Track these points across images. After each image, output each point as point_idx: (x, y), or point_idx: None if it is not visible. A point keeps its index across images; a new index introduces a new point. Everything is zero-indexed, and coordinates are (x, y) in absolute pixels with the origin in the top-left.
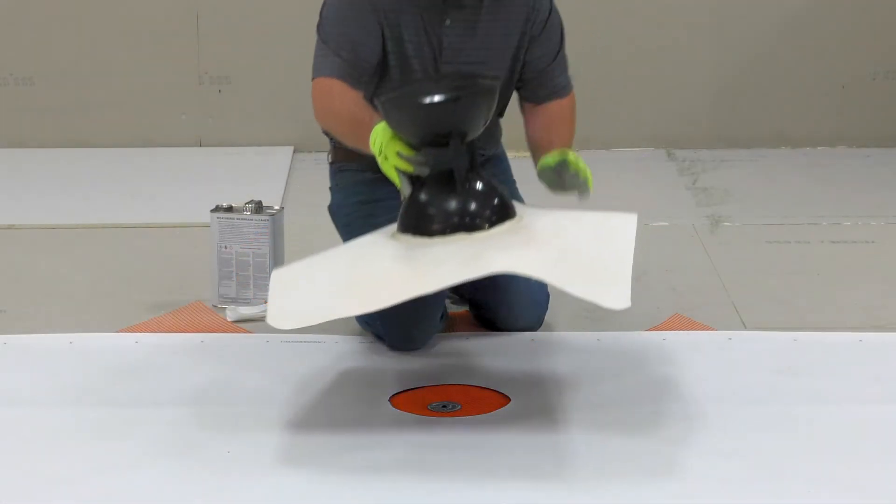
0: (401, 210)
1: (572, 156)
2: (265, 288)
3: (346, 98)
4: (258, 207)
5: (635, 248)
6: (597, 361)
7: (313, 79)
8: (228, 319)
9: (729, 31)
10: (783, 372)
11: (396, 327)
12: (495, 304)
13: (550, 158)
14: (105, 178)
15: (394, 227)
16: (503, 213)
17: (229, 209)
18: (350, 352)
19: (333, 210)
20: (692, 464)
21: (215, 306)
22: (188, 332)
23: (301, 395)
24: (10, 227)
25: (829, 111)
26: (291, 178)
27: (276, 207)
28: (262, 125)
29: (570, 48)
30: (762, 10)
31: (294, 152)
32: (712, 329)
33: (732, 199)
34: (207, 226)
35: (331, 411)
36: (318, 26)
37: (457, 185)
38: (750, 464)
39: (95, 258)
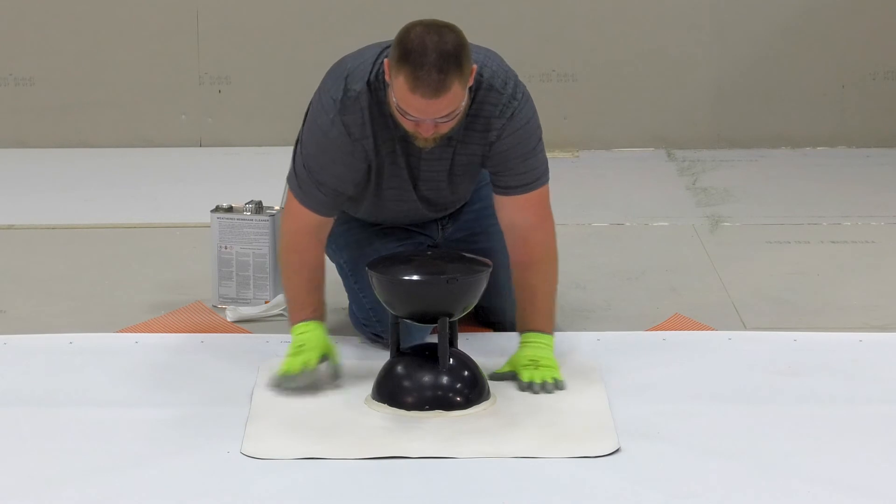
0: (378, 378)
1: (528, 375)
2: (265, 288)
3: (307, 258)
4: (258, 207)
5: (635, 249)
6: (595, 361)
7: (290, 190)
8: (228, 319)
9: (729, 32)
10: (783, 372)
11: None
12: (501, 306)
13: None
14: (105, 178)
15: (366, 391)
16: (480, 393)
17: (229, 209)
18: (350, 352)
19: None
20: (692, 464)
21: (215, 306)
22: (188, 332)
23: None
24: (9, 228)
25: (829, 111)
26: None
27: (277, 207)
28: (262, 125)
29: (572, 48)
30: (762, 11)
31: None
32: (712, 329)
33: (732, 199)
34: (207, 226)
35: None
36: (300, 143)
37: (439, 362)
38: (750, 464)
39: (95, 258)
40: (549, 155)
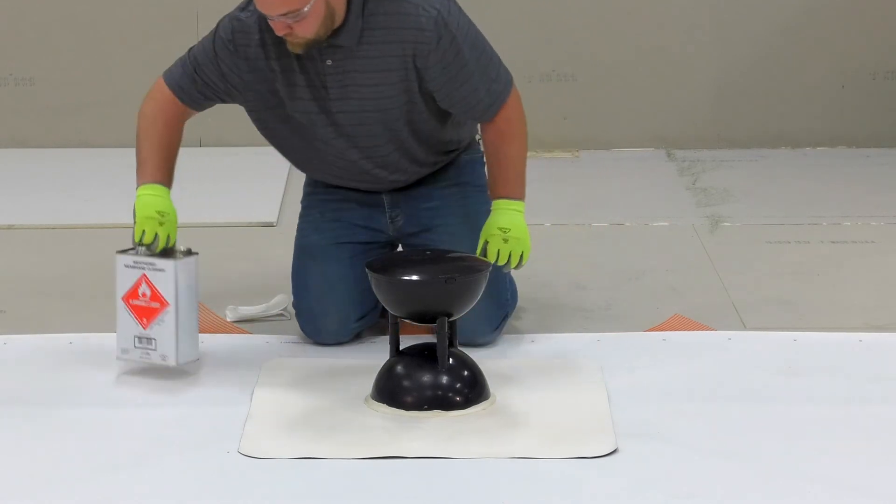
0: (377, 378)
1: (494, 250)
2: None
3: (159, 123)
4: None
5: (635, 249)
6: (597, 361)
7: (162, 74)
8: (228, 319)
9: (729, 31)
10: (783, 372)
11: (305, 315)
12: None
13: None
14: (105, 178)
15: (365, 391)
16: (479, 393)
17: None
18: (350, 352)
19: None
20: (692, 464)
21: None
22: None
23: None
24: (9, 228)
25: (829, 111)
26: (291, 179)
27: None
28: None
29: (572, 48)
30: (762, 10)
31: None
32: (712, 329)
33: (732, 199)
34: (207, 226)
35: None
36: (199, 43)
37: (438, 361)
38: (750, 464)
39: (95, 258)
40: (549, 155)
